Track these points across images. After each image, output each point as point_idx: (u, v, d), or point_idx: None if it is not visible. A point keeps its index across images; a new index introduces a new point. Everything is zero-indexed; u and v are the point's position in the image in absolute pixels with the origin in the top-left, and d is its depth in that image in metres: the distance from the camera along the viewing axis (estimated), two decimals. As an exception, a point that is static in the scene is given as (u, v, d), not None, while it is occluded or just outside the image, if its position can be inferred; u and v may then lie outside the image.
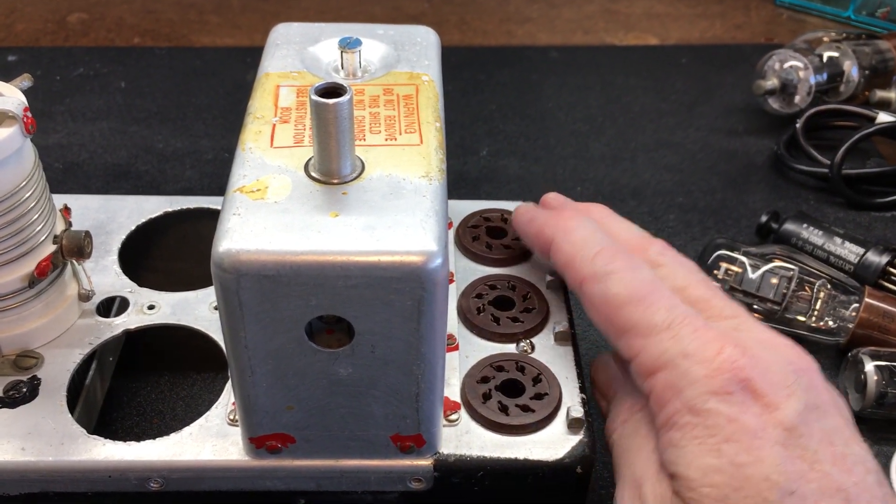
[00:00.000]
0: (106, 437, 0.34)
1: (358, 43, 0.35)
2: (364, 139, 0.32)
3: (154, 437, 0.34)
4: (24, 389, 0.35)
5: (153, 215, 0.44)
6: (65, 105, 0.67)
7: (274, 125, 0.32)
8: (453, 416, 0.35)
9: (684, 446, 0.29)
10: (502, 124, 0.66)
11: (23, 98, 0.33)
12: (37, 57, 0.74)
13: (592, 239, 0.35)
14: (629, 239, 0.36)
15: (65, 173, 0.60)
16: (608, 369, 0.36)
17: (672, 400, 0.29)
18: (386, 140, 0.32)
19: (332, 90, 0.29)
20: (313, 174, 0.30)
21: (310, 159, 0.31)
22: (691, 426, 0.29)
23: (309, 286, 0.28)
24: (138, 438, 0.34)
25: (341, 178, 0.30)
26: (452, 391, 0.35)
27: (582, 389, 0.36)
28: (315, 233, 0.28)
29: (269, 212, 0.28)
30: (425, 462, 0.33)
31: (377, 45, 0.37)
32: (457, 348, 0.37)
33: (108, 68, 0.72)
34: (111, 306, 0.41)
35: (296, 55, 0.36)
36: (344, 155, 0.29)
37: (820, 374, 0.31)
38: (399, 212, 0.29)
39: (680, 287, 0.33)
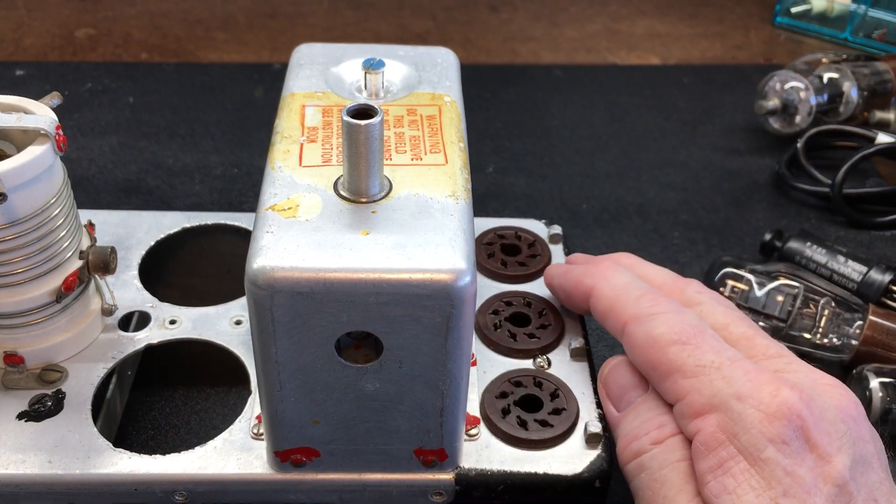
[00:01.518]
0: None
1: (381, 64, 0.35)
2: (390, 159, 0.32)
3: (169, 451, 0.35)
4: (49, 403, 0.36)
5: (171, 231, 0.44)
6: (73, 120, 0.68)
7: (302, 144, 0.33)
8: (473, 431, 0.35)
9: (741, 495, 0.28)
10: (508, 142, 0.67)
11: (54, 116, 0.34)
12: (45, 72, 0.74)
13: (633, 284, 0.35)
14: (664, 282, 0.36)
15: (75, 188, 0.59)
16: (623, 374, 0.35)
17: (725, 444, 0.29)
18: (412, 160, 0.32)
19: (364, 111, 0.29)
20: (342, 193, 0.31)
21: (339, 178, 0.31)
22: (747, 474, 0.28)
23: (341, 303, 0.28)
24: (153, 452, 0.35)
25: (370, 197, 0.30)
26: (472, 406, 0.36)
27: (599, 405, 0.37)
28: (347, 250, 0.28)
29: (302, 230, 0.29)
30: (447, 476, 0.34)
31: (398, 66, 0.38)
32: (475, 364, 0.38)
33: (117, 84, 0.73)
34: (130, 321, 0.41)
35: (319, 75, 0.37)
36: (373, 175, 0.30)
37: (865, 418, 0.31)
38: (428, 230, 0.29)
39: (721, 325, 0.33)
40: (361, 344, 0.31)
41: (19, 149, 0.33)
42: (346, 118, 0.29)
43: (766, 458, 0.28)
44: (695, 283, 0.36)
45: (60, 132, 0.33)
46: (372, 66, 0.35)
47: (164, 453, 0.34)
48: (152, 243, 0.44)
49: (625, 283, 0.36)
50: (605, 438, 0.35)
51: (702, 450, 0.29)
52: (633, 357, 0.34)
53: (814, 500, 0.28)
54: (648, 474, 0.31)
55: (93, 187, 0.61)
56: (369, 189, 0.30)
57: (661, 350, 0.32)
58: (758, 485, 0.28)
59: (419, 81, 0.37)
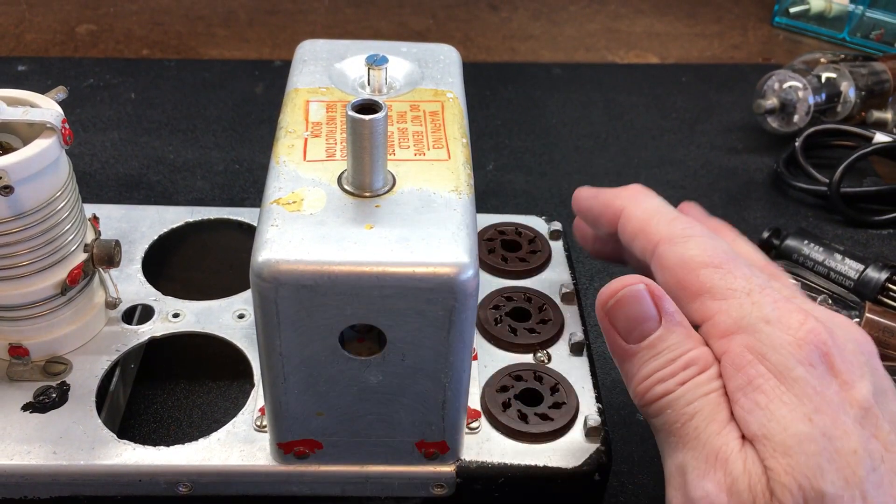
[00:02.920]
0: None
1: (385, 60, 0.36)
2: (394, 154, 0.33)
3: (171, 444, 0.35)
4: (54, 395, 0.36)
5: (174, 225, 0.45)
6: (75, 115, 0.68)
7: (306, 139, 0.33)
8: (474, 424, 0.36)
9: (774, 410, 0.28)
10: (508, 139, 0.68)
11: (60, 110, 0.34)
12: (46, 67, 0.75)
13: (665, 207, 0.35)
14: (695, 216, 0.36)
15: (77, 183, 0.61)
16: (636, 306, 0.32)
17: (754, 363, 0.29)
18: (415, 155, 0.33)
19: (368, 106, 0.30)
20: (346, 187, 0.31)
21: (342, 173, 0.32)
22: (778, 391, 0.28)
23: (345, 296, 0.28)
24: (156, 445, 0.35)
25: (374, 191, 0.31)
26: (472, 400, 0.36)
27: (598, 399, 0.37)
28: (351, 244, 0.29)
29: (306, 223, 0.29)
30: (448, 468, 0.34)
31: (401, 62, 0.38)
32: (476, 358, 0.38)
33: (118, 79, 0.73)
34: (133, 314, 0.41)
35: (323, 71, 0.37)
36: (377, 169, 0.30)
37: (878, 357, 0.31)
38: (431, 225, 0.30)
39: (750, 262, 0.33)
40: (365, 337, 0.32)
41: (25, 142, 0.34)
42: (351, 113, 0.29)
43: (797, 377, 0.28)
44: (725, 224, 0.37)
45: (66, 126, 0.34)
46: (375, 62, 0.35)
47: (168, 445, 0.35)
48: (155, 237, 0.44)
49: (657, 205, 0.35)
50: (605, 432, 0.36)
51: (730, 369, 0.29)
52: (661, 277, 0.33)
53: (843, 419, 0.28)
54: (676, 409, 0.30)
55: (95, 182, 0.61)
56: (373, 183, 0.31)
57: (693, 271, 0.31)
58: (790, 401, 0.28)
59: (422, 78, 0.37)
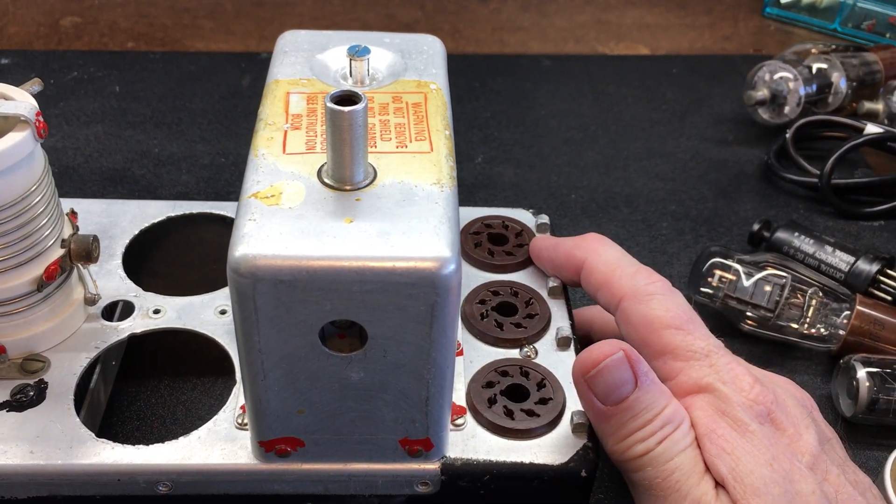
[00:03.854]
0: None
1: (367, 51, 0.35)
2: (375, 146, 0.32)
3: (154, 442, 0.34)
4: (32, 393, 0.35)
5: (156, 220, 0.44)
6: (59, 109, 0.67)
7: (286, 132, 0.33)
8: (459, 421, 0.35)
9: (739, 456, 0.31)
10: (497, 132, 0.67)
11: (34, 103, 0.34)
12: (30, 60, 0.74)
13: (625, 259, 0.37)
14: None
15: (60, 177, 0.60)
16: (615, 374, 0.32)
17: (715, 417, 0.32)
18: (397, 147, 0.32)
19: (347, 98, 0.29)
20: (326, 180, 0.30)
21: (322, 166, 0.31)
22: (740, 441, 0.31)
23: (324, 291, 0.28)
24: (139, 443, 0.34)
25: (354, 184, 0.30)
26: (458, 396, 0.36)
27: (585, 394, 0.36)
28: (331, 238, 0.28)
29: (285, 217, 0.29)
30: (432, 466, 0.34)
31: (384, 53, 0.37)
32: (461, 353, 0.38)
33: (103, 72, 0.72)
34: (114, 310, 0.41)
35: (304, 62, 0.36)
36: (358, 162, 0.30)
37: (818, 411, 0.35)
38: (412, 218, 0.29)
39: None
40: (346, 333, 0.31)
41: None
42: (330, 105, 0.29)
43: (753, 431, 0.32)
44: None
45: (41, 119, 0.33)
46: (357, 53, 0.35)
47: (149, 444, 0.34)
48: (136, 232, 0.43)
49: (617, 257, 0.37)
50: (592, 428, 0.35)
51: (695, 421, 0.32)
52: (625, 331, 0.35)
53: (798, 465, 0.31)
54: (656, 466, 0.32)
55: (78, 176, 0.60)
56: (353, 176, 0.30)
57: (656, 332, 0.34)
58: (751, 450, 0.31)
59: (405, 69, 0.37)
